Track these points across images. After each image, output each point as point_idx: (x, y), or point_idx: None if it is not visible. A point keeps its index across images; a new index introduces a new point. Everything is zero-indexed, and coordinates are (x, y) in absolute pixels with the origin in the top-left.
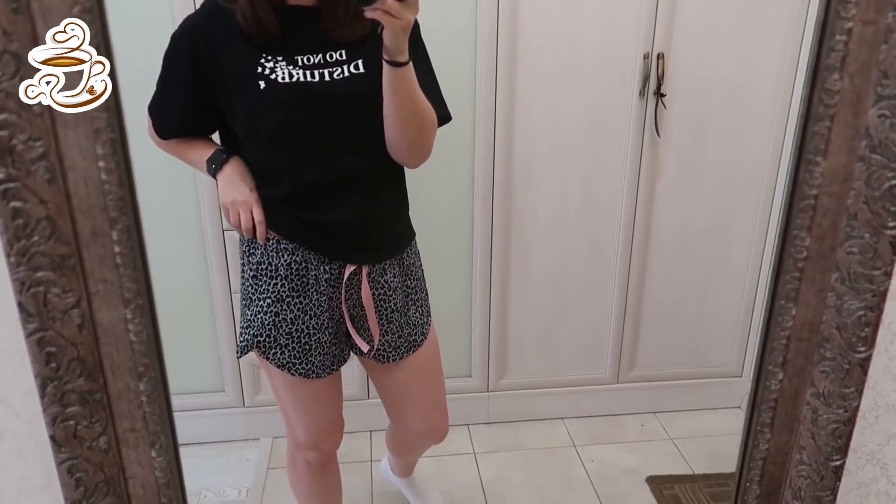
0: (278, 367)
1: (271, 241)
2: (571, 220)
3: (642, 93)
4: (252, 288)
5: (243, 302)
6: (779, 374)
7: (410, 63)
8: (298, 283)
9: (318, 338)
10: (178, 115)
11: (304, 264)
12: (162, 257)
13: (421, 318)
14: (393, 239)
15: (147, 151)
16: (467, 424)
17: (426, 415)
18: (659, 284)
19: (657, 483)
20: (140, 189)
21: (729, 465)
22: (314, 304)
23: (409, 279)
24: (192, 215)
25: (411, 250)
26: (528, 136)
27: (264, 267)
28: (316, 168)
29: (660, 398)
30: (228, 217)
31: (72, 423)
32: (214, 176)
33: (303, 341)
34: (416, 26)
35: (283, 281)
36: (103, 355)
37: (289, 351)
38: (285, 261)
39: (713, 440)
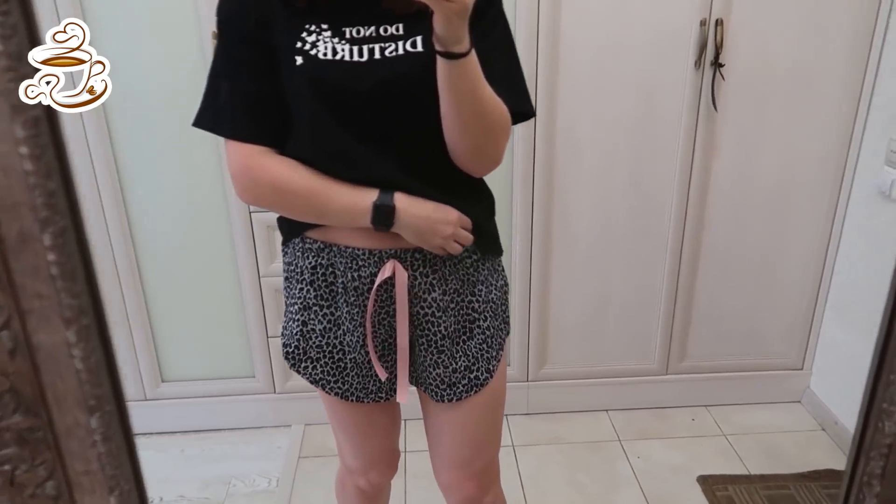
0: (311, 382)
1: (297, 240)
2: (618, 200)
3: (698, 63)
4: (286, 289)
5: (284, 300)
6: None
7: (472, 53)
8: (326, 290)
9: (354, 358)
10: (242, 102)
11: (330, 269)
12: (188, 241)
13: (487, 352)
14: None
15: (169, 129)
16: (506, 415)
17: (452, 472)
18: (714, 270)
19: (709, 483)
20: (162, 171)
21: (787, 464)
22: (346, 318)
23: (476, 301)
24: (218, 198)
25: (483, 264)
26: (572, 109)
27: (293, 268)
28: (358, 166)
29: (712, 391)
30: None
31: (7, 467)
32: (389, 227)
33: (336, 357)
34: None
35: (309, 286)
36: (45, 386)
37: (321, 366)
38: (310, 263)
39: (770, 437)
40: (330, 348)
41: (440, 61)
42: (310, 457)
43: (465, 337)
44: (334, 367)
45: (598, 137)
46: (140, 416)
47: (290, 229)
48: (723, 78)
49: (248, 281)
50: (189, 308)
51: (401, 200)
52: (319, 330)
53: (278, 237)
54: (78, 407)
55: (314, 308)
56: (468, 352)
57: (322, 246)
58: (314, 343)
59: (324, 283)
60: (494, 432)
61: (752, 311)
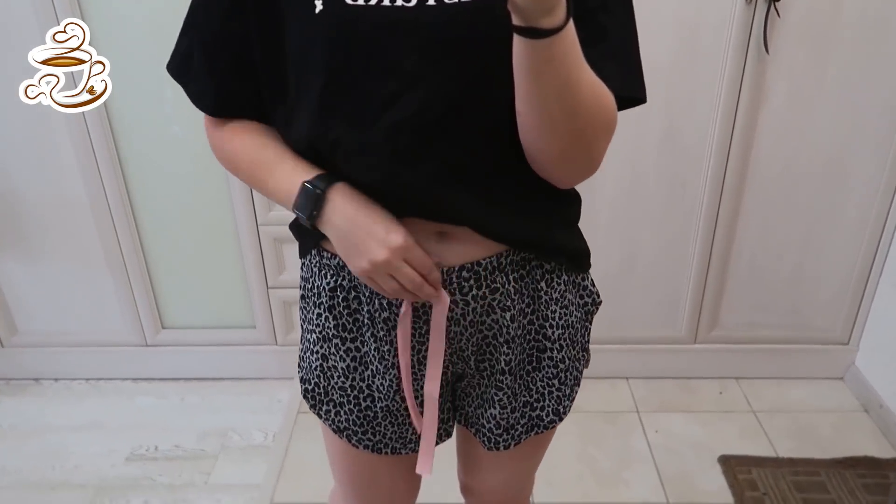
0: (335, 431)
1: (313, 253)
2: (649, 151)
3: None
4: (302, 310)
5: (300, 321)
6: None
7: (569, 27)
8: (348, 319)
9: (387, 405)
10: (226, 65)
11: (353, 293)
12: (183, 187)
13: (558, 389)
14: (537, 244)
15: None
16: None
17: (492, 483)
18: (753, 232)
19: (731, 464)
20: (156, 116)
21: (820, 448)
22: (374, 356)
23: (549, 326)
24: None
25: (559, 278)
26: None
27: (309, 287)
28: (398, 157)
29: (744, 363)
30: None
31: None
32: (315, 226)
33: (363, 404)
34: None
35: (327, 314)
36: None
37: (345, 413)
38: (328, 284)
39: (805, 417)
40: (355, 392)
41: (518, 41)
42: (309, 412)
43: (529, 368)
44: (361, 415)
45: None
46: (140, 362)
47: (304, 239)
48: (778, 15)
49: (245, 230)
50: (187, 255)
51: (339, 191)
52: (342, 369)
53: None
54: None
55: (334, 341)
56: (531, 385)
57: (342, 262)
58: (336, 384)
59: (346, 311)
60: (539, 461)
61: (794, 278)
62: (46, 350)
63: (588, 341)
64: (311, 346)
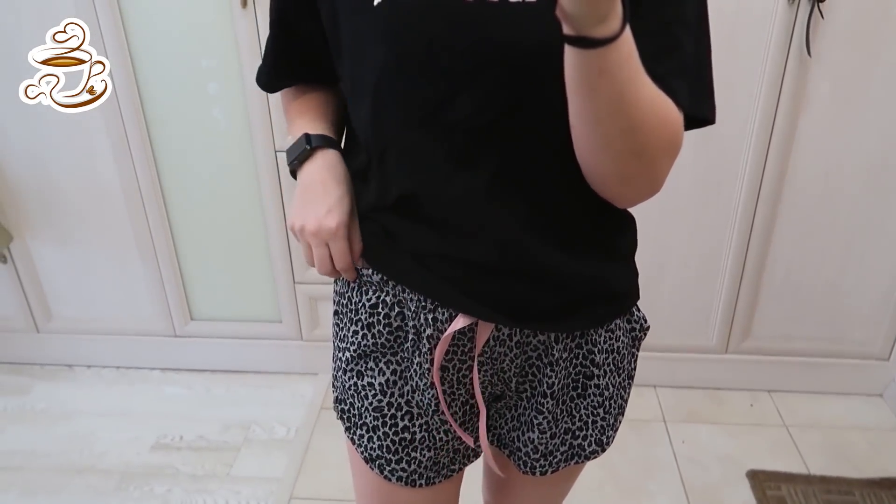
0: (366, 460)
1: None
2: (684, 153)
3: None
4: (336, 325)
5: (333, 338)
6: None
7: (625, 37)
8: (390, 336)
9: (426, 422)
10: (272, 51)
11: (397, 309)
12: (214, 181)
13: (603, 418)
14: (575, 306)
15: (194, 66)
16: None
17: None
18: (790, 240)
19: (759, 479)
20: (188, 110)
21: (855, 467)
22: (415, 372)
23: (597, 350)
24: (244, 139)
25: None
26: None
27: (345, 302)
28: (453, 160)
29: (777, 375)
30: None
31: None
32: (292, 172)
33: (400, 425)
34: None
35: (366, 331)
36: None
37: (378, 438)
38: (369, 300)
39: (839, 434)
40: (392, 410)
41: (570, 51)
42: (331, 408)
43: (574, 394)
44: (397, 438)
45: None
46: (169, 352)
47: None
48: (822, 16)
49: (273, 225)
50: (216, 248)
51: (324, 155)
52: (379, 385)
53: None
54: None
55: (373, 356)
56: (574, 412)
57: (384, 278)
58: (371, 404)
59: (387, 328)
60: (569, 489)
61: (833, 289)
62: (78, 337)
63: (634, 369)
64: (345, 365)
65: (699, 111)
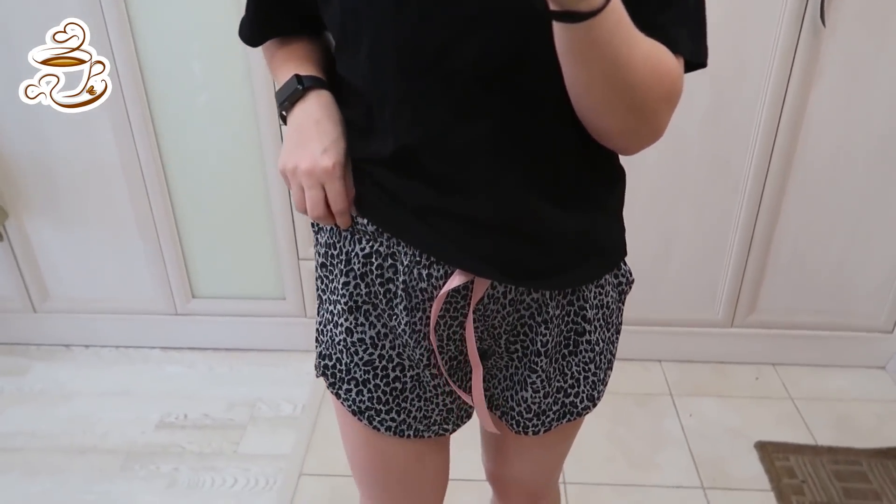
0: (354, 413)
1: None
2: (693, 126)
3: None
4: (321, 279)
5: (317, 292)
6: None
7: (612, 4)
8: (381, 289)
9: (417, 374)
10: (254, 2)
11: (390, 260)
12: (216, 157)
13: (594, 373)
14: (569, 261)
15: (196, 39)
16: None
17: (521, 471)
18: (798, 215)
19: (768, 450)
20: (191, 84)
21: (861, 438)
22: (406, 329)
23: (588, 306)
24: (248, 111)
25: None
26: None
27: (335, 252)
28: (454, 111)
29: (782, 349)
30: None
31: None
32: (282, 115)
33: (391, 375)
34: None
35: (359, 281)
36: None
37: (369, 391)
38: (362, 249)
39: (845, 406)
40: (384, 362)
41: (557, 25)
42: None
43: (566, 352)
44: (388, 389)
45: None
46: (170, 330)
47: None
48: None
49: (277, 201)
50: (218, 225)
51: (317, 95)
52: (370, 338)
53: None
54: None
55: (364, 308)
56: (566, 370)
57: (379, 229)
58: (361, 359)
59: (379, 279)
60: (568, 449)
61: (840, 263)
62: (77, 316)
63: (621, 323)
64: (335, 319)
65: (697, 57)
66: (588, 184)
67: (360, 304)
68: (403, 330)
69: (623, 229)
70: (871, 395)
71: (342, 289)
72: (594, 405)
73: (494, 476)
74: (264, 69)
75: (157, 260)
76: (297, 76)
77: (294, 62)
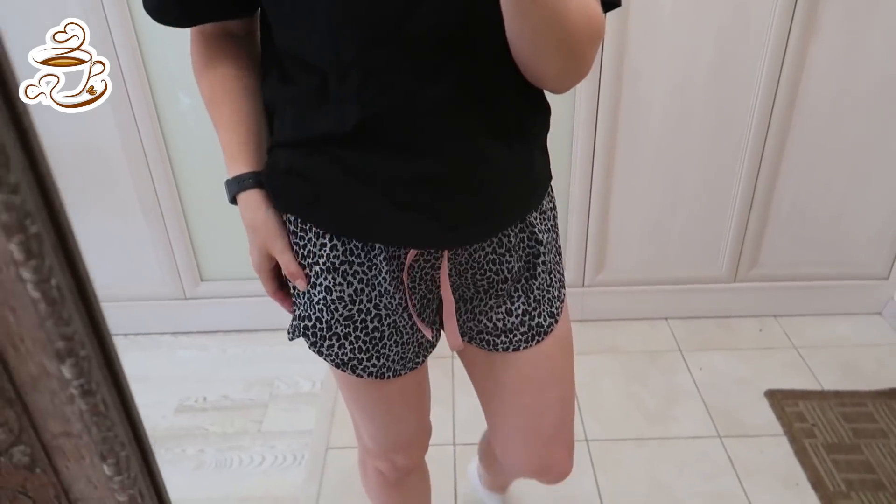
0: (337, 365)
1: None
2: (698, 84)
3: None
4: (296, 244)
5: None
6: None
7: None
8: (357, 244)
9: (394, 321)
10: None
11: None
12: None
13: (549, 291)
14: (524, 193)
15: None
16: None
17: (540, 448)
18: (798, 167)
19: (777, 398)
20: (190, 67)
21: (864, 381)
22: (386, 277)
23: (539, 231)
24: None
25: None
26: None
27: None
28: (416, 75)
29: (783, 300)
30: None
31: None
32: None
33: (370, 326)
34: None
35: (335, 241)
36: None
37: (350, 343)
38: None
39: (847, 351)
40: (362, 315)
41: None
42: None
43: (527, 275)
44: (367, 339)
45: (679, 16)
46: (180, 315)
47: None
48: None
49: None
50: (224, 206)
51: (242, 200)
52: (349, 295)
53: None
54: (42, 350)
55: (342, 269)
56: (530, 293)
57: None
58: (341, 315)
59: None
60: (572, 381)
61: (837, 214)
62: None
63: (559, 245)
64: (315, 280)
65: None
66: (530, 125)
67: (337, 265)
68: (384, 278)
69: (549, 159)
70: (870, 339)
71: (319, 251)
72: (556, 321)
73: (520, 452)
74: None
75: (163, 244)
76: (226, 181)
77: (224, 124)
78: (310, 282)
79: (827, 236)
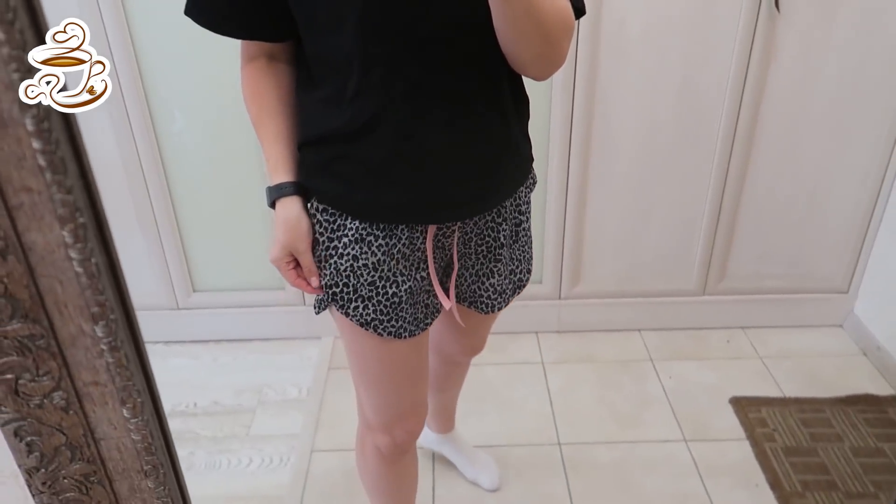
0: (362, 324)
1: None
2: (666, 105)
3: None
4: (326, 220)
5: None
6: None
7: None
8: (381, 224)
9: (410, 286)
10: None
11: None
12: (212, 147)
13: (529, 251)
14: (516, 169)
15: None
16: (536, 332)
17: (474, 340)
18: (761, 185)
19: (742, 405)
20: (189, 80)
21: (824, 389)
22: (406, 244)
23: (522, 203)
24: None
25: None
26: (619, 10)
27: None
28: (424, 64)
29: (750, 313)
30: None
31: (10, 376)
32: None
33: (390, 292)
34: None
35: (365, 221)
36: (43, 291)
37: (373, 304)
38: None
39: (809, 361)
40: (383, 282)
41: None
42: (339, 368)
43: (513, 240)
44: (388, 303)
45: (648, 38)
46: (173, 325)
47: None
48: None
49: None
50: (217, 219)
51: (280, 205)
52: (373, 263)
53: None
54: (80, 314)
55: (368, 239)
56: (514, 256)
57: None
58: (366, 279)
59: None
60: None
61: (799, 231)
62: None
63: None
64: (343, 250)
65: (579, 4)
66: (520, 110)
67: (364, 236)
68: (403, 247)
69: (531, 143)
70: (831, 350)
71: (349, 224)
72: (530, 275)
73: (452, 350)
74: None
75: (158, 255)
76: (267, 188)
77: (269, 136)
78: (337, 252)
79: (789, 251)
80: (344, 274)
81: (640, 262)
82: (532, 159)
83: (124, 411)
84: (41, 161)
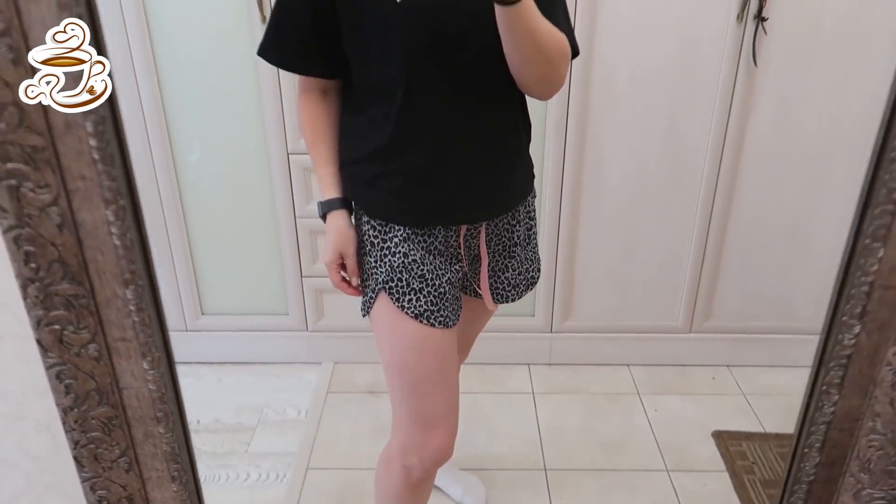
0: (415, 316)
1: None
2: (651, 152)
3: (740, 16)
4: (375, 226)
5: (360, 254)
6: (855, 326)
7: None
8: (421, 227)
9: (448, 278)
10: (293, 35)
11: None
12: (226, 178)
13: (537, 252)
14: (527, 178)
15: (213, 65)
16: (528, 364)
17: (467, 333)
18: (744, 228)
19: (723, 438)
20: (205, 110)
21: None
22: (440, 241)
23: (532, 209)
24: (258, 139)
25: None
26: (610, 57)
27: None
28: (454, 86)
29: (735, 351)
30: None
31: (57, 327)
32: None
33: (436, 283)
34: None
35: (411, 225)
36: (88, 259)
37: (423, 296)
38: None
39: (791, 399)
40: (430, 276)
41: (498, 9)
42: (338, 392)
43: (527, 241)
44: (435, 294)
45: (636, 87)
46: (181, 346)
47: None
48: (765, 32)
49: (284, 222)
50: (229, 245)
51: (331, 217)
52: (420, 258)
53: (314, 179)
54: (115, 280)
55: (413, 238)
56: (526, 255)
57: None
58: (416, 273)
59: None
60: None
61: (781, 273)
62: None
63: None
64: (394, 249)
65: (575, 44)
66: (527, 128)
67: (410, 234)
68: (439, 244)
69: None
70: None
71: (398, 227)
72: (540, 273)
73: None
74: (276, 96)
75: (170, 278)
76: (319, 203)
77: (322, 159)
78: (391, 251)
79: (772, 292)
80: (397, 269)
81: (629, 299)
82: (534, 176)
83: (144, 364)
84: (95, 155)
